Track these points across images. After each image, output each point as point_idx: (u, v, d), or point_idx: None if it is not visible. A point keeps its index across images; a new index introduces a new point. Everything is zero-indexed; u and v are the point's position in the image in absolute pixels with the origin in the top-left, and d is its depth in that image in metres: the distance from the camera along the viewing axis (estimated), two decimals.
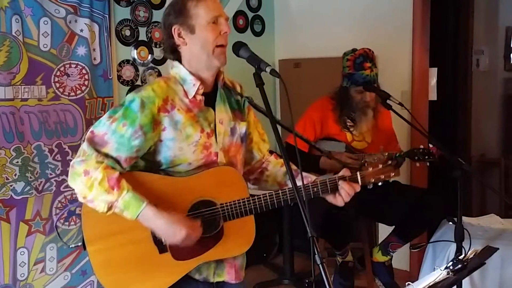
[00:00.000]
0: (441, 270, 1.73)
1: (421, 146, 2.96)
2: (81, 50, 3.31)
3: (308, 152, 3.17)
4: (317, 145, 3.22)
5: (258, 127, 2.19)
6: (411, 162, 3.87)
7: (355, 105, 3.20)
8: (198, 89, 1.92)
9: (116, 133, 1.81)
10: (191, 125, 1.90)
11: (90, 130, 1.84)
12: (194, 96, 1.92)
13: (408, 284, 1.70)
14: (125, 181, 1.79)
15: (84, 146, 1.81)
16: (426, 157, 2.95)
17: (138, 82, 3.70)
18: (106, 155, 1.80)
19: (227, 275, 2.03)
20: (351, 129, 3.24)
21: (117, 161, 1.82)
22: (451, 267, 1.72)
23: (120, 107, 1.85)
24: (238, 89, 2.11)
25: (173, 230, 1.79)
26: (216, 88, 2.01)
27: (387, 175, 2.02)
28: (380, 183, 2.04)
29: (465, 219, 2.98)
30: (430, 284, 1.68)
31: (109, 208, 1.78)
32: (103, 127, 1.82)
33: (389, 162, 2.02)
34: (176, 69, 1.95)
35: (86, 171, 1.78)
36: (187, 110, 1.90)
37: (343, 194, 1.96)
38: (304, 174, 1.88)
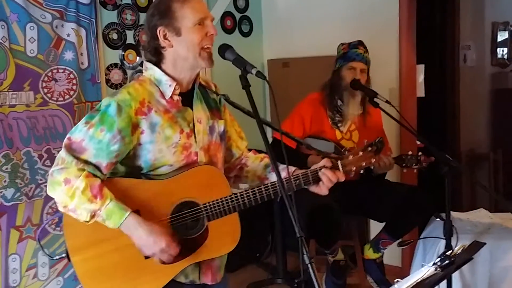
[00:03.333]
0: (428, 266, 1.73)
1: (410, 152, 2.96)
2: (69, 55, 3.31)
3: (296, 149, 3.18)
4: (306, 142, 3.24)
5: (234, 125, 2.19)
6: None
7: (345, 86, 3.19)
8: (174, 89, 1.91)
9: (94, 139, 1.78)
10: (170, 126, 1.89)
11: (67, 136, 1.82)
12: (171, 97, 1.91)
13: (397, 281, 1.71)
14: (107, 189, 1.78)
15: (62, 153, 1.79)
16: (414, 164, 2.95)
17: None
18: (86, 162, 1.78)
19: (204, 277, 2.01)
20: (340, 125, 3.25)
21: (97, 167, 1.80)
22: (438, 263, 1.72)
23: (96, 112, 1.82)
24: (213, 88, 2.11)
25: (153, 240, 1.78)
26: (192, 88, 2.00)
27: (368, 161, 2.02)
28: (362, 171, 2.04)
29: (454, 214, 3.01)
30: (418, 281, 1.69)
31: (92, 217, 1.76)
32: (80, 133, 1.80)
33: (369, 148, 2.01)
34: (150, 71, 1.94)
35: (66, 179, 1.75)
36: (164, 111, 1.89)
37: (325, 180, 1.95)
38: (283, 166, 1.86)
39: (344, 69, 3.22)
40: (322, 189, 1.98)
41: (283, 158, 1.73)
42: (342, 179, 1.97)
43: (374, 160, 2.02)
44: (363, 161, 2.01)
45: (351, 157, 2.00)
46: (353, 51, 3.21)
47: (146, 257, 1.87)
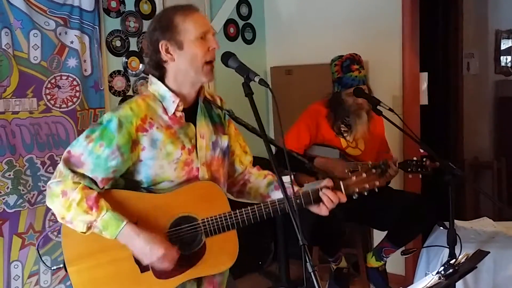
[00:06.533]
0: (432, 275, 1.73)
1: (415, 158, 2.96)
2: (72, 62, 3.31)
3: (303, 154, 3.17)
4: (312, 150, 3.23)
5: (239, 139, 2.19)
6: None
7: (348, 109, 3.20)
8: (177, 105, 1.91)
9: (92, 154, 1.80)
10: (172, 143, 1.89)
11: (67, 150, 1.84)
12: (174, 113, 1.91)
13: None
14: (103, 200, 1.78)
15: (60, 166, 1.81)
16: (419, 169, 2.94)
17: (130, 93, 3.70)
18: (83, 176, 1.80)
19: None
20: (345, 135, 3.25)
21: (93, 181, 1.81)
22: (442, 272, 1.72)
23: (98, 126, 1.84)
24: (218, 102, 2.10)
25: (150, 249, 1.79)
26: (197, 103, 2.00)
27: (371, 183, 2.01)
28: (365, 193, 2.02)
29: (457, 222, 2.99)
30: None
31: (88, 228, 1.78)
32: (79, 148, 1.82)
33: (373, 170, 2.02)
34: (154, 86, 1.94)
35: (63, 192, 1.77)
36: (166, 127, 1.89)
37: (325, 200, 1.94)
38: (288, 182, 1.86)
39: (344, 94, 3.21)
40: (322, 210, 1.97)
41: (287, 168, 1.72)
42: (344, 200, 1.97)
43: (378, 183, 2.01)
44: (366, 183, 2.01)
45: (354, 178, 2.00)
46: (348, 76, 3.17)
47: (142, 271, 1.87)
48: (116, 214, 1.78)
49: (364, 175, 2.00)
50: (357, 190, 2.00)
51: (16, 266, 3.13)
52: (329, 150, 3.22)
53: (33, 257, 3.19)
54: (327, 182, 1.97)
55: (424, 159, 2.93)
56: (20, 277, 3.15)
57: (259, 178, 2.18)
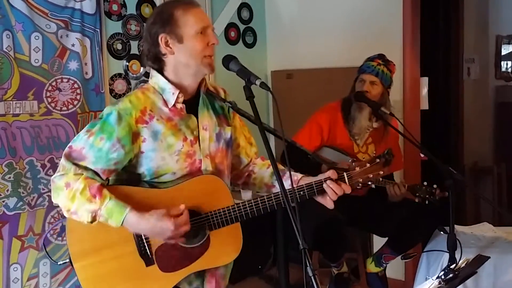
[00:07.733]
0: (432, 279, 1.73)
1: (425, 183, 2.91)
2: (73, 65, 3.31)
3: (313, 153, 3.14)
4: (322, 152, 3.20)
5: (244, 130, 2.18)
6: (404, 173, 3.91)
7: (353, 99, 3.17)
8: (177, 97, 1.91)
9: (93, 147, 1.81)
10: (173, 134, 1.89)
11: (68, 145, 1.85)
12: (174, 105, 1.92)
13: None
14: (107, 190, 1.79)
15: (63, 161, 1.83)
16: (427, 195, 2.88)
17: None
18: (85, 168, 1.82)
19: (208, 285, 2.02)
20: (356, 138, 3.22)
21: (96, 173, 1.83)
22: (442, 277, 1.72)
23: (98, 120, 1.86)
24: (222, 94, 2.10)
25: (160, 226, 1.78)
26: (198, 95, 2.00)
27: (375, 173, 1.99)
28: (370, 183, 2.00)
29: (458, 227, 2.99)
30: None
31: (93, 218, 1.78)
32: (80, 142, 1.83)
33: (377, 160, 1.98)
34: (154, 79, 1.95)
35: (67, 183, 1.79)
36: (167, 119, 1.90)
37: (330, 193, 1.93)
38: (289, 175, 1.84)
39: (356, 82, 3.21)
40: (327, 202, 1.96)
41: (294, 165, 1.71)
42: (348, 191, 1.95)
43: (382, 172, 1.99)
44: (370, 173, 1.99)
45: (357, 169, 1.98)
46: (366, 64, 3.19)
47: (148, 265, 1.88)
48: (120, 202, 1.78)
49: (367, 165, 1.98)
50: (361, 180, 1.98)
51: (15, 269, 3.13)
52: (341, 156, 3.16)
53: (33, 259, 3.19)
54: (330, 173, 1.96)
55: (435, 187, 2.87)
56: (19, 279, 3.15)
57: (263, 168, 2.17)
